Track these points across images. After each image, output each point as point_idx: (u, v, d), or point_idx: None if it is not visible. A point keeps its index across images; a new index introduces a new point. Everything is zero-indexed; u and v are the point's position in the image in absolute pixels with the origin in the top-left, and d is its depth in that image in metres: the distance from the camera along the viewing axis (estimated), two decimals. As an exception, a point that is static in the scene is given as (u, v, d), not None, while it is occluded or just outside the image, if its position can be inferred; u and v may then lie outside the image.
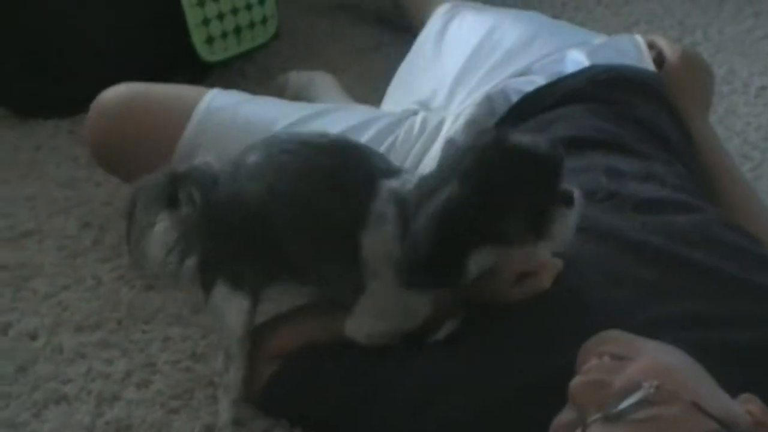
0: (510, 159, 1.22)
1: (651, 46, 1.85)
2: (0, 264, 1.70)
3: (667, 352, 1.12)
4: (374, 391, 1.31)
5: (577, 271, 1.33)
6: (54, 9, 2.11)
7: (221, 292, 1.35)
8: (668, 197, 1.48)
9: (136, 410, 1.43)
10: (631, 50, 1.84)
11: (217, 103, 1.69)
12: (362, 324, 1.33)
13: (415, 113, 1.77)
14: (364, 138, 1.63)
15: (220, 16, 2.17)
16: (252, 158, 1.33)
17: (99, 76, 2.15)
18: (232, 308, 1.36)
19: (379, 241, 1.26)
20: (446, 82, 1.86)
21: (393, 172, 1.31)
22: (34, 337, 1.54)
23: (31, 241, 1.78)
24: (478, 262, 1.23)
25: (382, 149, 1.62)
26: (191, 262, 1.38)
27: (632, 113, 1.66)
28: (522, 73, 1.79)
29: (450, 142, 1.35)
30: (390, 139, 1.69)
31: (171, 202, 1.35)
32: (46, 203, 1.87)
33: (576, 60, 1.77)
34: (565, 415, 1.09)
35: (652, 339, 1.16)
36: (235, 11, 2.20)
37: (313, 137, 1.38)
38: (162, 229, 1.37)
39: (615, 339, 1.13)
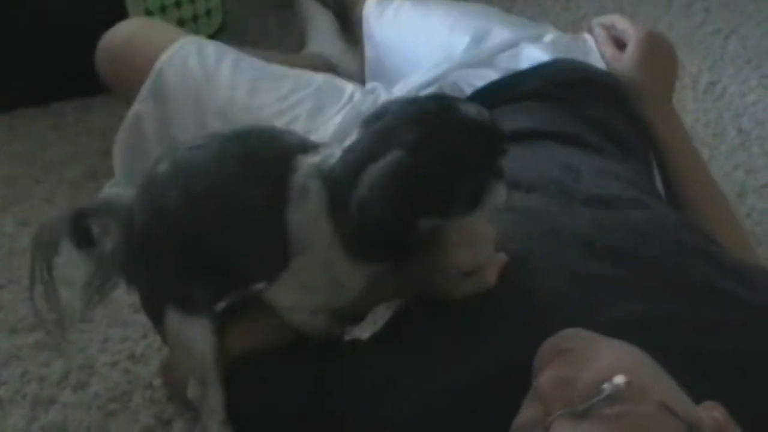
0: (461, 127, 1.22)
1: (611, 26, 1.87)
2: (-67, 263, 1.67)
3: (630, 352, 1.11)
4: (321, 393, 1.31)
5: (530, 267, 1.33)
6: None
7: (176, 319, 1.32)
8: (623, 194, 1.49)
9: (73, 413, 1.42)
10: (582, 48, 1.86)
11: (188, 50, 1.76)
12: (287, 294, 1.32)
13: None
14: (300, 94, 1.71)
15: (162, 9, 2.17)
16: (161, 167, 1.31)
17: (38, 72, 2.18)
18: (194, 333, 1.33)
19: (305, 215, 1.25)
20: (385, 76, 1.87)
21: (310, 147, 1.29)
22: (-32, 338, 1.50)
23: (-33, 239, 1.75)
24: (422, 233, 1.24)
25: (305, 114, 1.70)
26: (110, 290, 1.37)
27: (589, 112, 1.67)
28: (473, 66, 1.81)
29: (379, 112, 1.32)
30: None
31: (81, 240, 1.33)
32: (-17, 201, 1.84)
33: (531, 56, 1.79)
34: (527, 413, 1.09)
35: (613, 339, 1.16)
36: (178, 3, 2.20)
37: (221, 130, 1.38)
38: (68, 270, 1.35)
39: (577, 336, 1.13)
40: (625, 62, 1.78)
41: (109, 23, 2.12)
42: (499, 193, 1.25)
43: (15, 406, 1.42)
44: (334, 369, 1.32)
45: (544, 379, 1.06)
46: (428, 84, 1.78)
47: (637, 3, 2.71)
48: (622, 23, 1.86)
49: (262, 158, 1.30)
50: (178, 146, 1.35)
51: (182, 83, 1.72)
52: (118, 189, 1.37)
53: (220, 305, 1.37)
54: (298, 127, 1.63)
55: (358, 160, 1.23)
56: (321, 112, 1.72)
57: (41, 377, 1.47)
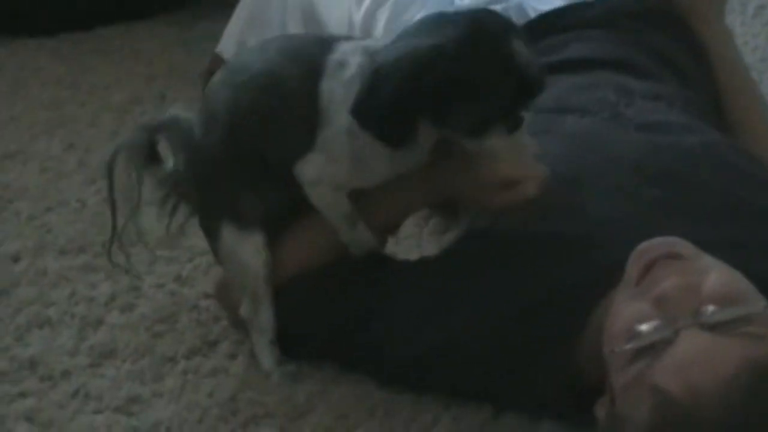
0: (501, 57, 1.24)
1: None
2: (-18, 185, 1.70)
3: (734, 272, 1.14)
4: (373, 309, 1.34)
5: (583, 189, 1.35)
6: None
7: (230, 235, 1.36)
8: (676, 119, 1.50)
9: (120, 334, 1.44)
10: None
11: None
12: (311, 166, 1.34)
13: None
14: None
15: None
16: (217, 76, 1.37)
17: None
18: (247, 248, 1.37)
19: (337, 86, 1.29)
20: None
21: (352, 37, 1.37)
22: (16, 259, 1.55)
23: (15, 162, 1.80)
24: (422, 132, 1.27)
25: None
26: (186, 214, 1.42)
27: (648, 41, 1.68)
28: None
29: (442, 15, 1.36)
30: None
31: (151, 158, 1.38)
32: (29, 124, 1.90)
33: None
34: (632, 309, 1.11)
35: None
36: None
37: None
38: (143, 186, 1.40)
39: (686, 245, 1.15)
40: None
41: None
42: (498, 143, 1.28)
43: (64, 326, 1.44)
44: (382, 289, 1.35)
45: (670, 284, 1.08)
46: (495, 2, 1.78)
47: None
48: None
49: (303, 45, 1.37)
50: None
51: None
52: (183, 106, 1.40)
53: (272, 219, 1.40)
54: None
55: (402, 44, 1.27)
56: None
57: (89, 298, 1.49)
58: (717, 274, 1.10)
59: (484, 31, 1.27)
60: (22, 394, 1.32)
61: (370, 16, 1.78)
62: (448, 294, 1.32)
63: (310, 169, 1.33)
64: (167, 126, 1.39)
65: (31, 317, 1.43)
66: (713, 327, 1.02)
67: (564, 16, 1.72)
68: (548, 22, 1.71)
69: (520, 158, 1.33)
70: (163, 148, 1.40)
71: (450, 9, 1.59)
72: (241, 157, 1.34)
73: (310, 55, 1.34)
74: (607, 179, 1.37)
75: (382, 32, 1.72)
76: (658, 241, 1.15)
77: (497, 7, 1.69)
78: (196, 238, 1.58)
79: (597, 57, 1.63)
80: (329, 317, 1.37)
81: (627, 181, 1.37)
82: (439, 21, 1.31)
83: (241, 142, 1.34)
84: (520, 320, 1.28)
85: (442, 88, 1.24)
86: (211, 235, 1.38)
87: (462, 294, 1.32)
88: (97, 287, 1.51)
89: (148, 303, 1.49)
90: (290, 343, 1.40)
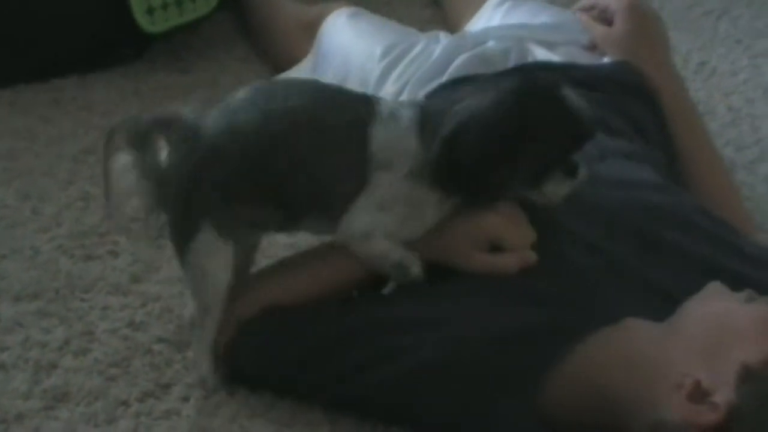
0: (559, 105, 1.31)
1: (592, 6, 1.92)
2: (-63, 234, 1.69)
3: None
4: (343, 339, 1.36)
5: (553, 233, 1.39)
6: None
7: (206, 241, 1.35)
8: (647, 177, 1.55)
9: (74, 378, 1.44)
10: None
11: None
12: (363, 216, 1.35)
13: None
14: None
15: None
16: (240, 93, 1.37)
17: (39, 48, 2.20)
18: (218, 259, 1.37)
19: (392, 135, 1.33)
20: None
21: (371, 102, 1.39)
22: (-29, 306, 1.53)
23: (-31, 211, 1.78)
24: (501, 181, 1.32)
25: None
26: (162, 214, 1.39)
27: (621, 105, 1.76)
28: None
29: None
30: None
31: (139, 142, 1.37)
32: (-15, 174, 1.87)
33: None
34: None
35: None
36: None
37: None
38: (130, 173, 1.37)
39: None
40: (615, 37, 1.85)
41: (111, 4, 2.18)
42: (557, 190, 1.34)
43: (18, 370, 1.44)
44: (356, 316, 1.38)
45: None
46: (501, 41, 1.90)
47: None
48: (601, 0, 1.91)
49: (342, 93, 1.41)
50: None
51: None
52: (185, 108, 1.41)
53: (252, 240, 1.44)
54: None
55: (460, 98, 1.32)
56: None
57: (43, 343, 1.49)
58: None
59: (538, 83, 1.33)
60: (-24, 437, 1.30)
61: (385, 74, 1.90)
62: (419, 321, 1.35)
63: (363, 218, 1.35)
64: (171, 120, 1.39)
65: (-16, 362, 1.41)
66: None
67: (554, 70, 1.77)
68: (541, 70, 1.77)
69: (517, 229, 1.36)
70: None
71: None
72: (250, 178, 1.34)
73: (353, 102, 1.38)
74: (580, 231, 1.41)
75: (391, 88, 1.84)
76: (710, 289, 1.25)
77: (492, 49, 1.86)
78: (149, 284, 1.61)
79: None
80: (299, 345, 1.38)
81: (598, 235, 1.41)
82: (492, 81, 1.39)
83: (259, 166, 1.34)
84: (486, 353, 1.30)
85: (509, 142, 1.29)
86: (184, 234, 1.37)
87: (431, 321, 1.35)
88: (51, 332, 1.51)
89: (101, 347, 1.48)
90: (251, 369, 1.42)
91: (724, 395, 1.14)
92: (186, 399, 1.41)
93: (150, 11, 2.19)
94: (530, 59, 1.83)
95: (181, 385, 1.42)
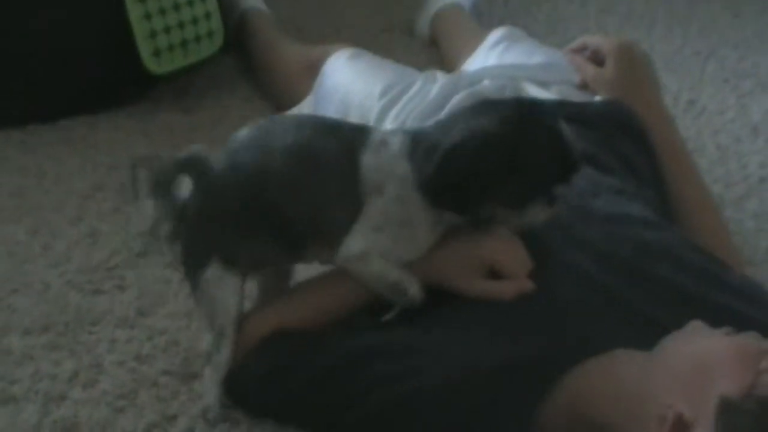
0: (551, 136, 1.32)
1: (583, 47, 1.91)
2: (-51, 269, 1.70)
3: None
4: (340, 368, 1.37)
5: (550, 271, 1.39)
6: (3, 25, 2.16)
7: (216, 272, 1.39)
8: (638, 213, 1.55)
9: (83, 409, 1.44)
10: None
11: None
12: (359, 238, 1.36)
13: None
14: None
15: (167, 30, 2.21)
16: (242, 132, 1.40)
17: (49, 88, 2.21)
18: (227, 288, 1.40)
19: (382, 160, 1.35)
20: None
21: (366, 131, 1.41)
22: (-19, 339, 1.54)
23: (-19, 248, 1.79)
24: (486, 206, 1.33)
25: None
26: (176, 246, 1.43)
27: (612, 142, 1.74)
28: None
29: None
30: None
31: (166, 190, 1.41)
32: (-4, 211, 1.88)
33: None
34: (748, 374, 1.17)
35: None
36: (181, 25, 2.23)
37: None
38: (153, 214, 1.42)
39: None
40: (607, 77, 1.84)
41: (118, 46, 2.20)
42: (536, 216, 1.35)
43: (28, 402, 1.45)
44: (356, 342, 1.38)
45: None
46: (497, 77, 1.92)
47: (620, 25, 2.75)
48: (592, 41, 1.91)
49: (338, 125, 1.43)
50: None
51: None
52: (201, 147, 1.47)
53: (255, 274, 1.46)
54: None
55: (450, 123, 1.35)
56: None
57: (53, 375, 1.50)
58: None
59: (533, 113, 1.34)
60: (-13, 468, 1.31)
61: (384, 112, 1.91)
62: (414, 349, 1.36)
63: (358, 241, 1.36)
64: (191, 163, 1.42)
65: (-5, 394, 1.42)
66: None
67: (548, 106, 1.76)
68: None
69: (514, 257, 1.38)
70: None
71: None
72: (254, 213, 1.37)
73: (347, 133, 1.40)
74: (573, 263, 1.41)
75: (390, 126, 1.84)
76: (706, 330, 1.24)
77: (498, 85, 1.86)
78: (155, 318, 1.63)
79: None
80: (300, 374, 1.39)
81: (590, 267, 1.42)
82: (488, 105, 1.38)
83: (262, 202, 1.37)
84: (481, 383, 1.31)
85: (502, 163, 1.30)
86: (196, 266, 1.40)
87: (426, 350, 1.35)
88: (61, 364, 1.51)
89: (109, 379, 1.49)
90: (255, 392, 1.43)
91: (704, 427, 1.14)
92: (191, 430, 1.42)
93: (156, 53, 2.21)
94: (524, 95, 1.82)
95: (186, 417, 1.43)
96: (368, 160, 1.36)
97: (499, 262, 1.36)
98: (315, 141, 1.38)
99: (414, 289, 1.37)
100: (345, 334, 1.40)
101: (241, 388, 1.42)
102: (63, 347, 1.56)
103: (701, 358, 1.22)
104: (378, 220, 1.36)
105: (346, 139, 1.39)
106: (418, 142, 1.35)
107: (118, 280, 1.73)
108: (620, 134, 1.77)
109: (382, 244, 1.36)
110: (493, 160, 1.30)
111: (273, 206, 1.36)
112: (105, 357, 1.55)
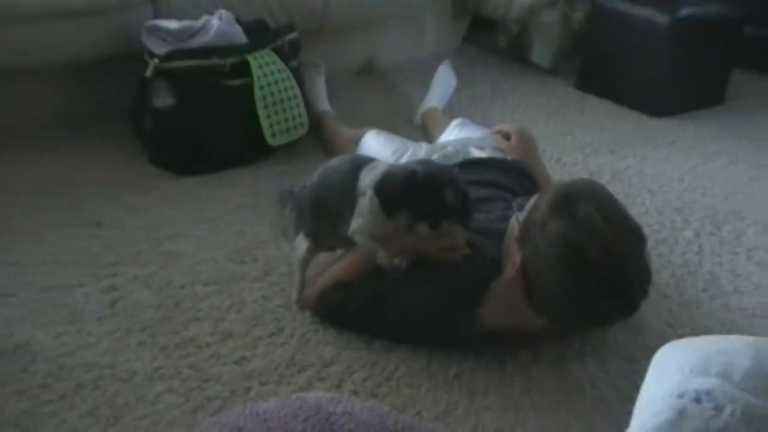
0: (433, 188, 1.35)
1: (500, 129, 2.02)
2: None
3: None
4: (375, 298, 1.47)
5: (476, 245, 1.50)
6: (196, 127, 2.22)
7: (300, 237, 1.55)
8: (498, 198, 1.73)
9: (235, 325, 1.54)
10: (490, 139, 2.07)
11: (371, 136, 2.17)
12: (353, 222, 1.41)
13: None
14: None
15: (278, 121, 2.29)
16: (319, 170, 1.56)
17: (217, 155, 2.28)
18: (303, 246, 1.53)
19: (369, 177, 1.39)
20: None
21: (371, 167, 1.47)
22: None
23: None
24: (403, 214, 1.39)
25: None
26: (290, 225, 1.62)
27: (516, 178, 1.82)
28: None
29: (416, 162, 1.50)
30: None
31: (284, 200, 1.64)
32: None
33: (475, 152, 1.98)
34: None
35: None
36: (287, 118, 2.30)
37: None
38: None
39: None
40: (512, 146, 1.96)
41: (251, 130, 2.21)
42: (425, 230, 1.38)
43: (212, 320, 1.56)
44: (381, 288, 1.45)
45: None
46: (451, 146, 1.97)
47: (521, 119, 2.65)
48: (505, 126, 2.03)
49: (353, 158, 1.53)
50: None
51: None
52: (299, 183, 1.63)
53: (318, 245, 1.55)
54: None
55: (401, 166, 1.44)
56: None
57: (218, 307, 1.60)
58: None
59: (435, 173, 1.36)
60: None
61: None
62: (408, 290, 1.44)
63: (354, 224, 1.41)
64: (293, 189, 1.59)
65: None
66: None
67: (483, 161, 1.85)
68: (475, 161, 1.86)
69: (458, 239, 1.44)
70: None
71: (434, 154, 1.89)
72: (317, 212, 1.50)
73: (360, 162, 1.45)
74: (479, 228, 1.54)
75: None
76: None
77: (450, 150, 1.90)
78: (273, 276, 1.70)
79: (496, 181, 1.77)
80: (352, 301, 1.48)
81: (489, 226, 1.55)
82: (421, 162, 1.46)
83: (317, 207, 1.49)
84: (447, 299, 1.39)
85: (402, 194, 1.34)
86: (293, 232, 1.58)
87: (414, 289, 1.43)
88: (224, 301, 1.62)
89: (248, 309, 1.58)
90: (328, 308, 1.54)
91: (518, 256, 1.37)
92: (301, 335, 1.49)
93: (273, 135, 2.29)
94: (470, 156, 1.92)
95: (290, 329, 1.52)
96: (363, 176, 1.42)
97: (448, 245, 1.45)
98: (342, 167, 1.46)
99: (380, 255, 1.42)
100: (366, 284, 1.50)
101: (323, 311, 1.56)
102: (224, 292, 1.69)
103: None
104: (360, 210, 1.41)
105: (358, 165, 1.45)
106: (387, 170, 1.41)
107: (253, 255, 1.81)
108: (518, 173, 1.88)
109: (362, 224, 1.41)
110: (397, 191, 1.34)
111: (321, 204, 1.48)
112: (246, 297, 1.68)
